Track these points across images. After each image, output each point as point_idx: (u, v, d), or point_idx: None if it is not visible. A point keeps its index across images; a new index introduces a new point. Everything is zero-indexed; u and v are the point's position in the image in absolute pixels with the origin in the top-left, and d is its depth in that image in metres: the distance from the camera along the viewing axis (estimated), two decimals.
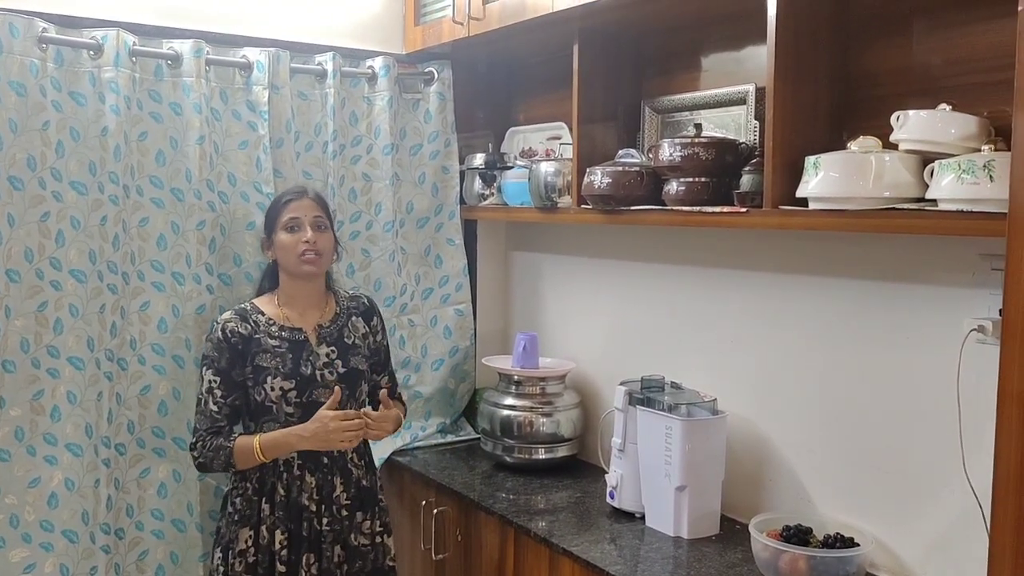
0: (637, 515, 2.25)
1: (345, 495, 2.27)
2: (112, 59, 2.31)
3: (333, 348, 2.29)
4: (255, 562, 2.20)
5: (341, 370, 2.27)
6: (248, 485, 2.22)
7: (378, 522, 2.34)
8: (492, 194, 2.83)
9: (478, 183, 2.85)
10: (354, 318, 2.37)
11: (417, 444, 2.89)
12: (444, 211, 2.93)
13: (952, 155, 1.56)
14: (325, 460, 2.25)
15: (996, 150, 1.50)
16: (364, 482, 2.33)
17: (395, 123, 2.78)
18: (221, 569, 2.22)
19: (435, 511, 2.54)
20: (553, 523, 2.24)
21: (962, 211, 1.49)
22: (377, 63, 2.76)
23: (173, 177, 2.44)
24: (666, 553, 2.06)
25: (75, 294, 2.30)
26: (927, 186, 1.60)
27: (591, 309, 2.78)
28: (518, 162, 2.77)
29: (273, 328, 2.25)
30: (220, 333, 2.21)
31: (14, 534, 2.25)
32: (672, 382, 2.31)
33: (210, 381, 2.20)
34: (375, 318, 2.43)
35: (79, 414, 2.31)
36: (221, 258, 2.53)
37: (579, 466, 2.70)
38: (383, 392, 2.29)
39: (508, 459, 2.66)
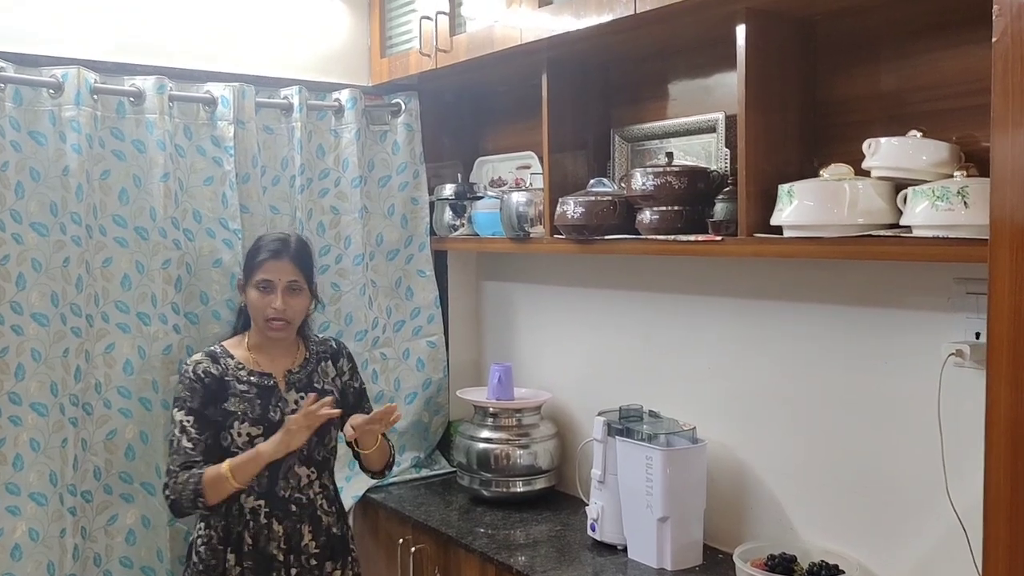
0: (619, 547, 2.23)
1: (314, 543, 2.22)
2: (73, 97, 2.26)
3: (302, 394, 2.23)
4: None
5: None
6: (212, 534, 2.16)
7: (350, 572, 2.30)
8: (463, 225, 2.81)
9: (448, 214, 2.83)
10: (324, 363, 2.34)
11: (392, 480, 2.84)
12: (414, 242, 2.90)
13: (924, 181, 1.57)
14: (293, 508, 2.20)
15: (969, 175, 1.51)
16: (334, 530, 2.28)
17: (363, 155, 2.76)
18: None
19: (412, 549, 2.49)
20: (534, 558, 2.20)
21: (938, 237, 1.50)
22: (344, 95, 2.74)
23: (137, 215, 2.39)
24: None
25: (37, 338, 2.23)
26: (901, 212, 1.61)
27: (566, 338, 2.76)
28: (488, 192, 2.75)
29: (242, 373, 2.21)
30: (192, 373, 2.17)
31: None
32: (650, 411, 2.30)
33: (182, 421, 2.14)
34: (341, 360, 2.40)
35: (43, 462, 2.24)
36: (188, 297, 2.48)
37: (558, 498, 2.66)
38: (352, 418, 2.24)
39: (485, 493, 2.62)
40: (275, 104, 2.63)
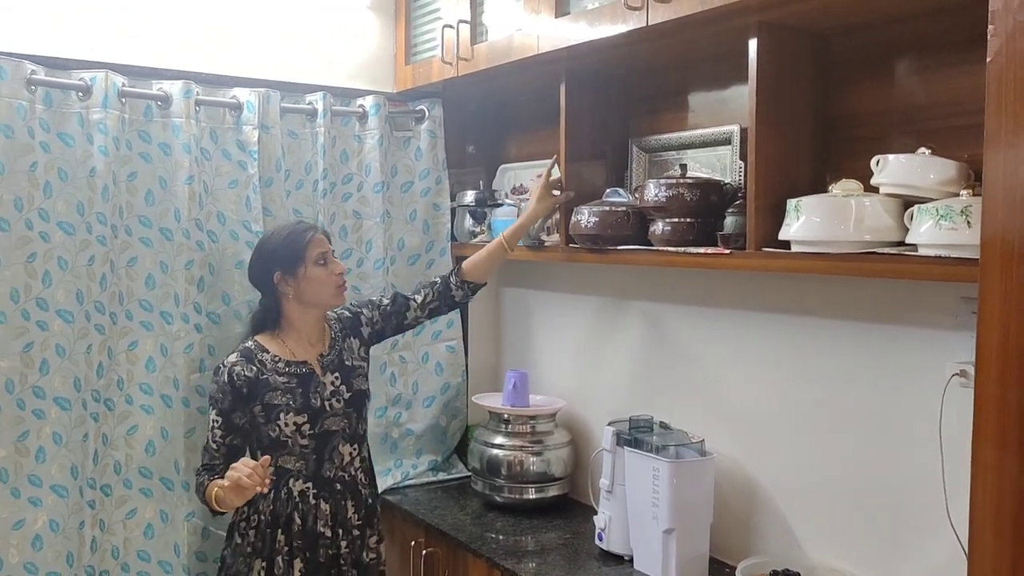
0: (626, 558, 2.23)
1: (356, 516, 2.31)
2: (101, 100, 2.32)
3: (337, 374, 2.30)
4: None
5: (346, 395, 2.30)
6: (259, 517, 2.22)
7: (377, 533, 2.38)
8: (483, 231, 2.83)
9: (469, 220, 2.85)
10: (348, 339, 2.39)
11: (408, 482, 2.87)
12: (435, 248, 2.93)
13: (932, 199, 1.55)
14: (338, 486, 2.27)
15: (975, 195, 1.49)
16: (370, 500, 2.36)
17: (386, 161, 2.79)
18: None
19: (424, 551, 2.52)
20: (541, 565, 2.21)
21: (940, 256, 1.48)
22: (368, 102, 2.77)
23: (162, 217, 2.45)
24: None
25: (62, 334, 2.29)
26: (908, 230, 1.59)
27: (582, 346, 2.77)
28: (507, 200, 2.77)
29: (280, 365, 2.25)
30: (226, 376, 2.20)
31: None
32: (661, 422, 2.30)
33: (213, 420, 2.20)
34: (360, 319, 2.42)
35: (65, 455, 2.30)
36: (210, 297, 2.52)
37: (570, 505, 2.67)
38: None
39: (498, 498, 2.64)
40: (300, 109, 2.68)
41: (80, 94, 2.31)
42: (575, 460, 2.69)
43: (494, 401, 2.75)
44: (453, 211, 2.93)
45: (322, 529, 2.24)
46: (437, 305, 2.48)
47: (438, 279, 2.48)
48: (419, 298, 2.46)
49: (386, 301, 2.46)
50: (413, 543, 2.57)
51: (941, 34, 1.73)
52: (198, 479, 2.20)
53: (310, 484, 2.23)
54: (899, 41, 1.81)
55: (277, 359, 2.25)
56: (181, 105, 2.45)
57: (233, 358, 2.22)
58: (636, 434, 2.23)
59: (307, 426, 2.22)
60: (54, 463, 2.29)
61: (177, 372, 2.47)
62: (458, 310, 2.96)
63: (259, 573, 2.19)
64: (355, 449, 2.32)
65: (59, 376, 2.29)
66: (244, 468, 2.01)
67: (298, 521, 2.22)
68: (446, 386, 2.97)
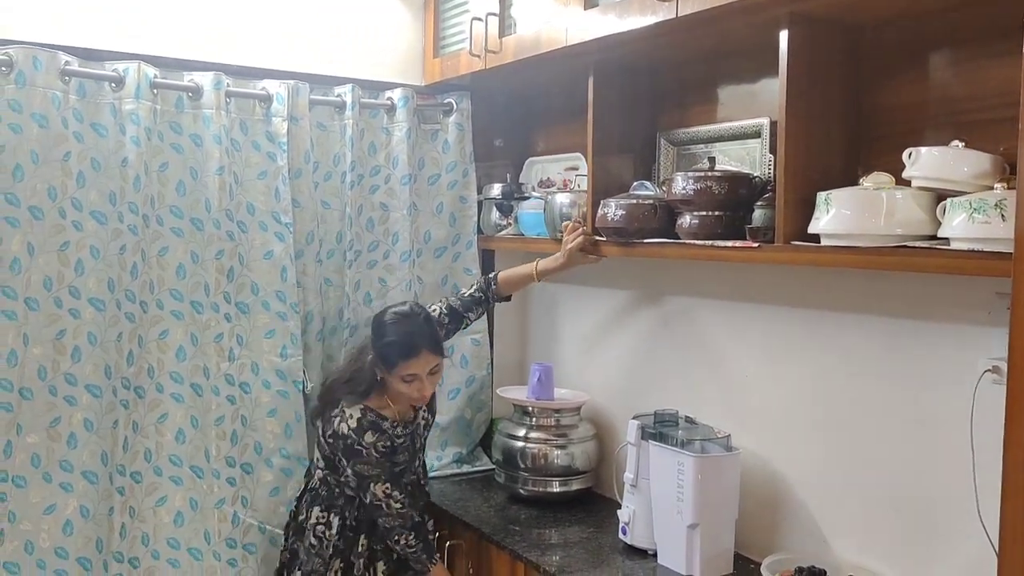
0: (650, 552, 2.22)
1: (426, 514, 2.44)
2: (133, 91, 2.35)
3: (424, 408, 2.42)
4: None
5: (431, 420, 2.49)
6: (343, 522, 2.31)
7: (431, 518, 2.50)
8: (509, 224, 2.83)
9: (495, 213, 2.85)
10: None
11: (433, 474, 2.87)
12: (461, 241, 2.93)
13: (965, 192, 1.53)
14: (409, 487, 2.37)
15: (1009, 188, 1.47)
16: (427, 488, 2.54)
17: (413, 153, 2.80)
18: None
19: (448, 543, 2.52)
20: (564, 558, 2.21)
21: (974, 250, 1.46)
22: (396, 94, 2.78)
23: (193, 207, 2.47)
24: None
25: (93, 322, 2.32)
26: (940, 223, 1.57)
27: (607, 340, 2.76)
28: (534, 193, 2.77)
29: (398, 430, 2.32)
30: (375, 453, 2.24)
31: (29, 560, 2.27)
32: (686, 416, 2.29)
33: (384, 491, 2.26)
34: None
35: (95, 441, 2.34)
36: (239, 287, 2.55)
37: (594, 499, 2.67)
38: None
39: (522, 491, 2.64)
40: (329, 102, 2.69)
41: (113, 85, 2.34)
42: (599, 454, 2.69)
43: (519, 394, 2.75)
44: (480, 204, 2.93)
45: None
46: (480, 315, 2.61)
47: (481, 294, 2.54)
48: (472, 316, 2.55)
49: (445, 316, 2.48)
50: (437, 534, 2.57)
51: (976, 26, 1.70)
52: (412, 552, 2.29)
53: (388, 485, 2.29)
54: (933, 33, 1.78)
55: (396, 424, 2.31)
56: (211, 96, 2.47)
57: (370, 438, 2.24)
58: (661, 428, 2.22)
59: (407, 465, 2.38)
60: (85, 449, 2.32)
61: (207, 361, 2.49)
62: None
63: (336, 572, 2.30)
64: (422, 454, 2.50)
65: (90, 363, 2.32)
66: None
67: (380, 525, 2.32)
68: (471, 379, 2.98)
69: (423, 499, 2.49)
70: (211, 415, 2.50)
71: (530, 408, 2.67)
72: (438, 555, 2.36)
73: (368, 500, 2.26)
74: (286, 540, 2.42)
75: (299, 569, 2.33)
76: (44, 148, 2.24)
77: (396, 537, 2.28)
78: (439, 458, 2.94)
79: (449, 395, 2.94)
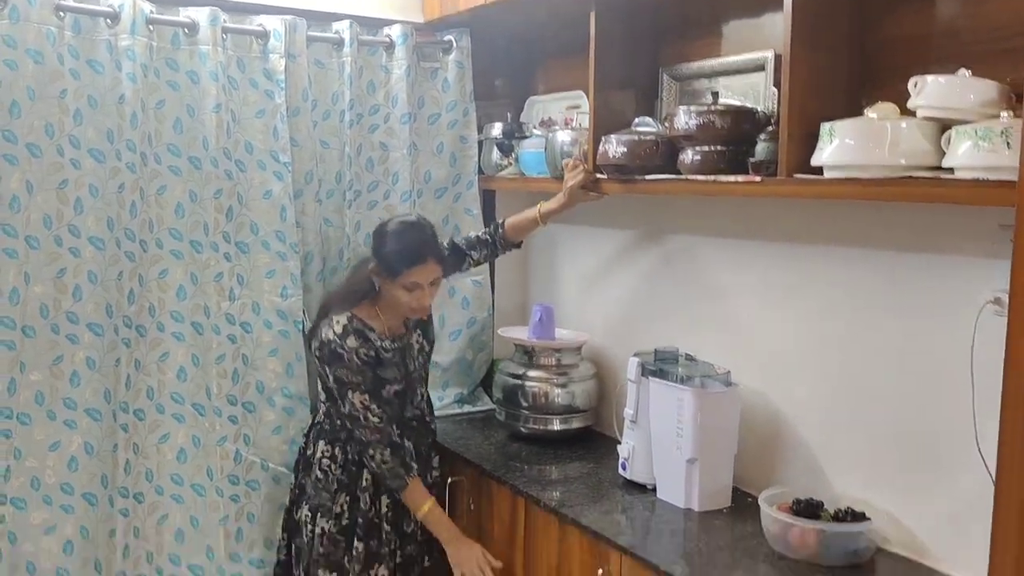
0: (649, 487, 2.24)
1: (427, 441, 2.47)
2: (129, 27, 2.32)
3: (419, 331, 2.45)
4: (348, 525, 2.31)
5: (427, 349, 2.48)
6: (344, 456, 2.33)
7: (437, 455, 2.52)
8: (510, 164, 2.81)
9: (496, 153, 2.83)
10: None
11: (435, 414, 2.89)
12: (462, 181, 2.91)
13: (970, 122, 1.51)
14: (415, 424, 2.40)
15: (1016, 116, 1.45)
16: (433, 426, 2.54)
17: (413, 92, 2.77)
18: (309, 526, 2.33)
19: (449, 480, 2.55)
20: (565, 494, 2.24)
21: (978, 179, 1.45)
22: (395, 31, 2.74)
23: (190, 145, 2.45)
24: (676, 525, 2.05)
25: (93, 261, 2.32)
26: (944, 154, 1.56)
27: (608, 280, 2.76)
28: (535, 131, 2.74)
29: (386, 343, 2.31)
30: (357, 359, 2.24)
31: (35, 496, 2.30)
32: (686, 354, 2.29)
33: (362, 401, 2.25)
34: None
35: (98, 379, 2.35)
36: (238, 226, 2.54)
37: (594, 438, 2.69)
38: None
39: (523, 429, 2.66)
40: (326, 38, 2.65)
41: (108, 20, 2.31)
42: (600, 393, 2.70)
43: (520, 334, 2.75)
44: (480, 144, 2.90)
45: (408, 462, 2.33)
46: (484, 258, 2.61)
47: (488, 238, 2.54)
48: (475, 255, 2.55)
49: (445, 248, 2.46)
50: (438, 472, 2.59)
51: None
52: (388, 468, 2.25)
53: (394, 425, 2.32)
54: None
55: (383, 337, 2.31)
56: (208, 33, 2.43)
57: (352, 342, 2.23)
58: (661, 365, 2.23)
59: (401, 388, 2.36)
60: (88, 387, 2.34)
61: (208, 300, 2.50)
62: None
63: (343, 506, 2.32)
64: (424, 390, 2.47)
65: (91, 302, 2.33)
66: (482, 562, 2.24)
67: None
68: (472, 320, 2.98)
69: (429, 436, 2.50)
70: (212, 354, 2.50)
71: (531, 348, 2.68)
72: (415, 466, 2.32)
73: (346, 409, 2.24)
74: (296, 476, 2.44)
75: (307, 503, 2.35)
76: (40, 84, 2.22)
77: (371, 452, 2.25)
78: (440, 398, 2.96)
79: (450, 336, 2.95)
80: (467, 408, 2.99)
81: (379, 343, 2.29)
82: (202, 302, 2.49)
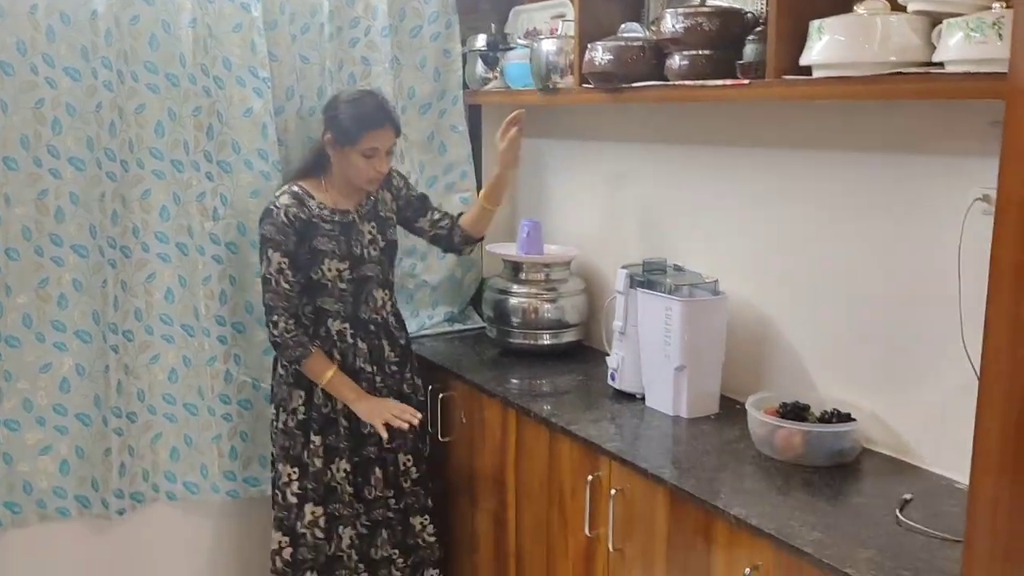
0: (638, 396, 2.26)
1: (392, 354, 2.43)
2: None
3: (373, 224, 2.40)
4: (305, 420, 2.33)
5: (381, 244, 2.41)
6: None
7: (418, 376, 2.53)
8: (495, 77, 2.76)
9: (480, 66, 2.77)
10: (381, 191, 2.44)
11: (424, 332, 2.91)
12: (447, 96, 2.86)
13: (961, 14, 1.48)
14: (372, 328, 2.38)
15: (1008, 7, 1.41)
16: (403, 341, 2.49)
17: (393, 3, 2.70)
18: (274, 423, 2.38)
19: (441, 395, 2.57)
20: (555, 405, 2.25)
21: (969, 73, 1.42)
22: None
23: (167, 62, 2.40)
24: (664, 431, 2.08)
25: (74, 182, 2.29)
26: (935, 48, 1.53)
27: (597, 194, 2.74)
28: (520, 42, 2.68)
29: (325, 212, 2.30)
30: (284, 217, 2.23)
31: (28, 418, 2.31)
32: (674, 265, 2.29)
33: (279, 262, 2.24)
34: (393, 180, 2.49)
35: (86, 301, 2.34)
36: (220, 145, 2.50)
37: (584, 351, 2.71)
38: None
39: (513, 345, 2.67)
40: None
41: None
42: (589, 308, 2.71)
43: (509, 250, 2.74)
44: (464, 57, 2.84)
45: (362, 365, 2.36)
46: (439, 238, 2.58)
47: (449, 218, 2.55)
48: (435, 216, 2.55)
49: (414, 192, 2.52)
50: (430, 387, 2.62)
51: None
52: (291, 337, 2.24)
53: (347, 324, 2.34)
54: None
55: (323, 206, 2.30)
56: None
57: (285, 200, 2.25)
58: (649, 276, 2.23)
59: (347, 271, 2.31)
60: (76, 309, 2.33)
61: (191, 220, 2.47)
62: (471, 163, 2.92)
63: (298, 400, 2.33)
64: (386, 295, 2.43)
65: (74, 224, 2.31)
66: (395, 410, 2.27)
67: (337, 357, 2.33)
68: None
69: (396, 348, 2.44)
70: (198, 275, 2.49)
71: (520, 264, 2.67)
72: (316, 344, 2.29)
73: (263, 269, 2.24)
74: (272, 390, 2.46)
75: (272, 400, 2.40)
76: (9, 1, 2.15)
77: (275, 318, 2.24)
78: (430, 317, 2.96)
79: (439, 255, 2.93)
80: (458, 327, 2.99)
81: (317, 211, 2.28)
82: (186, 223, 2.47)
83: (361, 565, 2.42)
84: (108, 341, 2.38)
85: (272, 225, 2.23)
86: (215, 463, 2.54)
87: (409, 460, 2.45)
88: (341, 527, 2.37)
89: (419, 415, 2.31)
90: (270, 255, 2.24)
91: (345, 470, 2.35)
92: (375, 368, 2.39)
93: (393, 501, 2.43)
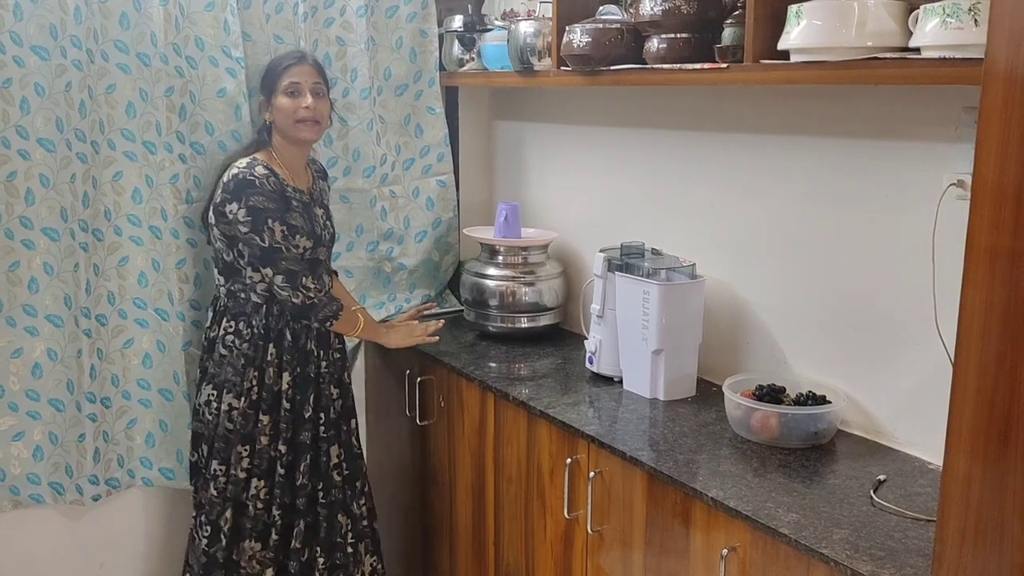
0: (615, 379, 2.27)
1: (337, 340, 2.42)
2: None
3: (322, 210, 2.39)
4: (258, 399, 2.29)
5: (331, 229, 2.42)
6: (251, 331, 2.28)
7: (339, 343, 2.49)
8: (472, 59, 2.74)
9: (457, 47, 2.75)
10: (320, 181, 2.46)
11: (402, 315, 2.89)
12: (423, 78, 2.84)
13: (939, 0, 1.49)
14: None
15: None
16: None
17: None
18: (214, 405, 2.31)
19: (419, 379, 2.57)
20: (533, 388, 2.26)
21: (944, 58, 1.43)
22: None
23: (138, 41, 2.35)
24: (642, 414, 2.09)
25: (44, 164, 2.24)
26: (912, 34, 1.53)
27: (574, 178, 2.74)
28: (497, 23, 2.66)
29: (288, 188, 2.27)
30: (268, 185, 2.20)
31: (1, 403, 2.27)
32: (652, 248, 2.30)
33: (281, 230, 2.20)
34: (329, 177, 2.55)
35: (57, 285, 2.30)
36: (192, 126, 2.46)
37: (562, 335, 2.71)
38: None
39: (491, 328, 2.67)
40: None
41: None
42: (567, 291, 2.71)
43: (486, 234, 2.74)
44: (441, 38, 2.82)
45: (312, 347, 2.34)
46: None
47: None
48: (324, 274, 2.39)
49: (331, 226, 2.45)
50: (408, 371, 2.61)
51: None
52: (324, 294, 2.26)
53: (287, 227, 2.23)
54: None
55: (286, 182, 2.27)
56: None
57: (261, 170, 2.21)
58: (627, 259, 2.23)
59: (310, 252, 2.28)
60: (47, 293, 2.29)
61: (164, 203, 2.44)
62: (448, 145, 2.91)
63: (251, 381, 2.28)
64: (331, 281, 2.42)
65: (45, 206, 2.26)
66: (419, 330, 2.50)
67: (289, 337, 2.30)
68: (437, 221, 2.95)
69: (337, 335, 2.42)
70: (172, 259, 2.46)
71: (497, 247, 2.67)
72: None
73: (267, 242, 2.17)
74: (200, 360, 2.41)
75: (208, 383, 2.32)
76: None
77: (302, 281, 2.20)
78: (407, 300, 2.95)
79: (416, 238, 2.92)
80: (436, 310, 2.98)
81: (284, 183, 2.26)
82: (159, 205, 2.43)
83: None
84: (81, 326, 2.35)
85: (261, 195, 2.18)
86: (190, 449, 2.52)
87: (341, 454, 2.40)
88: (273, 507, 2.32)
89: (439, 324, 2.55)
90: (271, 224, 2.18)
91: (280, 451, 2.31)
92: (322, 352, 2.36)
93: (321, 494, 2.37)
